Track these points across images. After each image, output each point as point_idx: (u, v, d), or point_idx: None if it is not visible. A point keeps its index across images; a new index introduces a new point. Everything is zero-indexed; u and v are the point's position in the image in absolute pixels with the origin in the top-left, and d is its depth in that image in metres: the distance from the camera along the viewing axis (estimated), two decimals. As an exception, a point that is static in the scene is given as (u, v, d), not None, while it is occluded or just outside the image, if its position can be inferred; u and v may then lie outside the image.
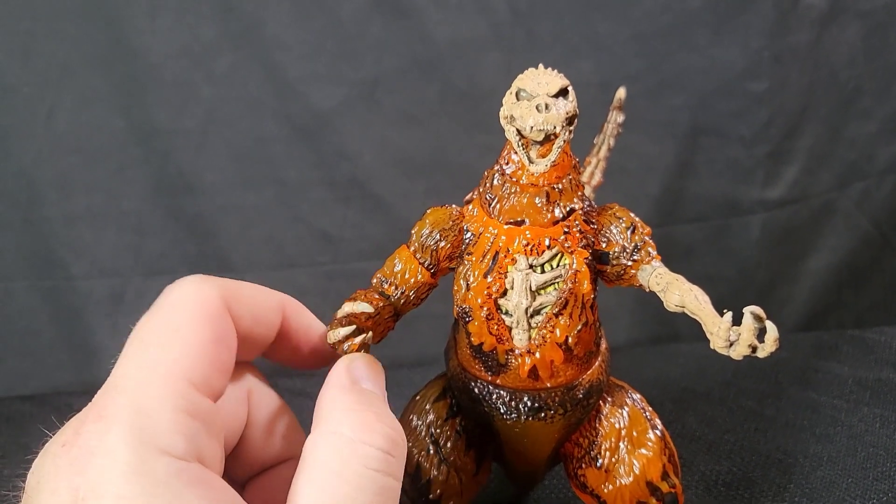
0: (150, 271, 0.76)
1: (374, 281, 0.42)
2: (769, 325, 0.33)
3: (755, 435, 0.62)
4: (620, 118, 0.52)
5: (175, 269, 0.76)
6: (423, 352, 0.66)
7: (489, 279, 0.39)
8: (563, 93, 0.36)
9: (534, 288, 0.38)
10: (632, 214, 0.40)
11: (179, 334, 0.30)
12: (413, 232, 0.41)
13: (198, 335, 0.30)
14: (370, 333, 0.39)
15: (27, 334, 0.77)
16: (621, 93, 0.51)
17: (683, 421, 0.64)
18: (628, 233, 0.40)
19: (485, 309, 0.39)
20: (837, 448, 0.59)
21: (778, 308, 0.86)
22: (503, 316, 0.39)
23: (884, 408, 0.63)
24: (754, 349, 0.34)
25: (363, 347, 0.39)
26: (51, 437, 0.28)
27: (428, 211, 0.41)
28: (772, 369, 0.69)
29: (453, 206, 0.41)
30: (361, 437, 0.30)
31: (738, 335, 0.34)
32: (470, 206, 0.40)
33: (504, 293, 0.39)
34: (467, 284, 0.39)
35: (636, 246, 0.39)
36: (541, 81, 0.36)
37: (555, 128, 0.35)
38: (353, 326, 0.38)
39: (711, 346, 0.35)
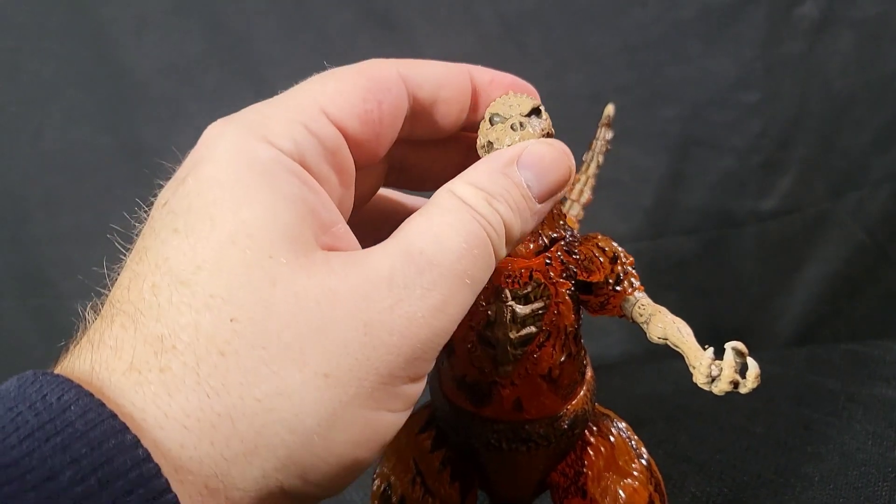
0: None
1: None
2: (750, 361, 0.33)
3: (746, 454, 0.61)
4: (609, 135, 0.51)
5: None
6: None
7: (471, 311, 0.38)
8: (535, 112, 0.36)
9: (516, 319, 0.38)
10: (614, 244, 0.40)
11: (331, 79, 0.31)
12: None
13: (346, 82, 0.31)
14: None
15: (16, 354, 0.77)
16: (610, 109, 0.51)
17: (675, 440, 0.64)
18: (611, 263, 0.39)
19: (467, 341, 0.39)
20: (829, 467, 0.59)
21: (772, 320, 0.86)
22: (486, 348, 0.39)
23: (876, 424, 0.63)
24: (736, 385, 0.33)
25: None
26: None
27: None
28: (765, 385, 0.68)
29: None
30: (475, 199, 0.30)
31: (719, 370, 0.34)
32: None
33: (487, 325, 0.38)
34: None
35: (619, 276, 0.39)
36: (512, 104, 0.36)
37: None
38: None
39: (693, 381, 0.35)
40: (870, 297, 0.86)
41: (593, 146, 0.51)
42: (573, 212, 0.50)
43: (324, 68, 0.74)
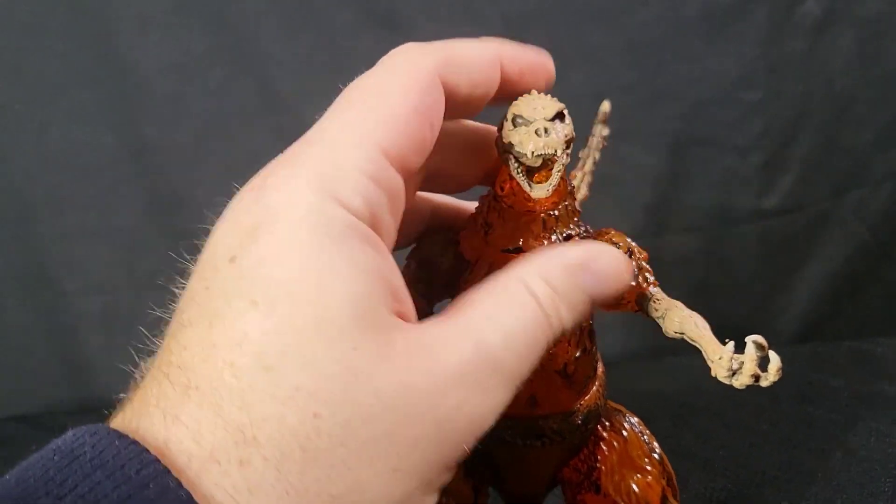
0: (143, 287, 0.76)
1: None
2: (772, 354, 0.33)
3: (750, 451, 0.62)
4: (605, 132, 0.51)
5: (168, 286, 0.75)
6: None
7: None
8: (559, 116, 0.36)
9: None
10: (628, 239, 0.40)
11: (385, 101, 0.30)
12: (408, 260, 0.41)
13: (403, 106, 0.30)
14: None
15: (20, 352, 0.77)
16: (605, 106, 0.50)
17: (679, 437, 0.64)
18: None
19: None
20: (832, 463, 0.59)
21: (774, 318, 0.86)
22: (500, 343, 0.38)
23: (879, 421, 0.63)
24: (757, 379, 0.33)
25: None
26: None
27: (423, 238, 0.41)
28: (768, 382, 0.69)
29: (449, 232, 0.41)
30: (548, 300, 0.31)
31: (740, 364, 0.33)
32: (465, 233, 0.40)
33: None
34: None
35: (633, 272, 0.39)
36: (536, 106, 0.35)
37: (555, 152, 0.34)
38: None
39: (713, 375, 0.35)
40: (872, 296, 0.87)
41: (589, 143, 0.51)
42: (570, 209, 0.50)
43: (326, 67, 0.74)
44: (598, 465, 0.43)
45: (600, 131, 0.50)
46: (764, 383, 0.33)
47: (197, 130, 0.72)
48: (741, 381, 0.33)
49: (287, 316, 0.26)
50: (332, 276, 0.26)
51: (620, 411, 0.45)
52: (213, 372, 0.25)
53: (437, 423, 0.27)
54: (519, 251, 0.37)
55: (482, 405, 0.28)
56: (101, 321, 0.76)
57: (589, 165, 0.51)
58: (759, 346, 0.33)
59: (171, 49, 0.71)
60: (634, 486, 0.42)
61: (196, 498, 0.23)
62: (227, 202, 0.30)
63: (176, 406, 0.25)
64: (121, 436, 0.24)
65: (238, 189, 0.30)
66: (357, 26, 0.72)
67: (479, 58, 0.34)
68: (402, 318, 0.29)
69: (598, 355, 0.43)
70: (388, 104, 0.30)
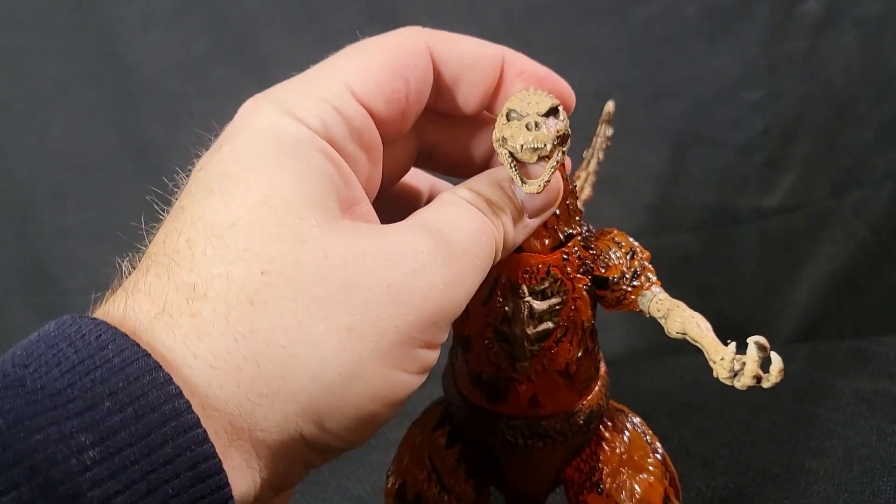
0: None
1: None
2: (774, 355, 0.33)
3: (751, 449, 0.62)
4: (609, 132, 0.51)
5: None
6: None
7: (488, 307, 0.38)
8: (553, 112, 0.36)
9: (534, 315, 0.38)
10: (631, 239, 0.40)
11: (365, 53, 0.32)
12: None
13: (379, 60, 0.32)
14: None
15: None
16: (610, 106, 0.51)
17: (680, 435, 0.64)
18: (627, 258, 0.39)
19: (484, 337, 0.39)
20: (833, 462, 0.59)
21: (775, 317, 0.86)
22: (503, 344, 0.39)
23: (880, 420, 0.63)
24: (759, 380, 0.33)
25: None
26: None
27: None
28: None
29: None
30: (480, 204, 0.33)
31: (742, 365, 0.34)
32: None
33: (504, 321, 0.38)
34: (466, 312, 0.39)
35: (636, 271, 0.39)
36: (530, 101, 0.35)
37: (546, 146, 0.34)
38: None
39: (714, 375, 0.35)
40: (872, 294, 0.86)
41: (593, 143, 0.51)
42: (573, 208, 0.50)
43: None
44: (600, 465, 0.43)
45: (604, 131, 0.50)
46: (765, 384, 0.33)
47: (199, 129, 0.72)
48: (742, 382, 0.33)
49: (239, 196, 0.28)
50: (283, 168, 0.29)
51: (623, 411, 0.45)
52: (172, 248, 0.28)
53: (389, 287, 0.28)
54: (519, 250, 0.37)
55: (440, 275, 0.29)
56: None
57: (593, 165, 0.51)
58: (760, 348, 0.33)
59: (172, 49, 0.71)
60: (637, 487, 0.42)
61: (150, 349, 0.25)
62: None
63: (137, 281, 0.28)
64: (83, 316, 0.27)
65: None
66: (358, 26, 0.72)
67: (477, 44, 0.36)
68: None
69: (601, 355, 0.43)
70: (366, 56, 0.32)
